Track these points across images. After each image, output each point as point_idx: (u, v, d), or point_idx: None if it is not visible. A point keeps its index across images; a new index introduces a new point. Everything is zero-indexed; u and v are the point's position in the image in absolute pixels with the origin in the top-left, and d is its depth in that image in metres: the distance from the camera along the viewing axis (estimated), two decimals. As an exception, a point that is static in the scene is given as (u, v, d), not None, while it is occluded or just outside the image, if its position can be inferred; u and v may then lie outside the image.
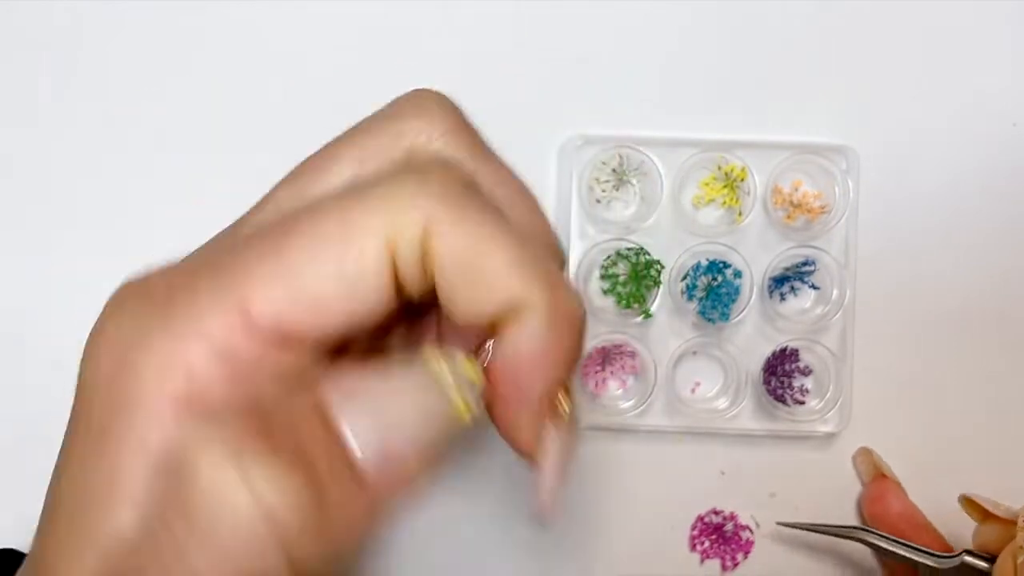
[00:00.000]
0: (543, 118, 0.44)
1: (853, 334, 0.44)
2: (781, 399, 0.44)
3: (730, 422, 0.44)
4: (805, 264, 0.44)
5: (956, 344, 0.45)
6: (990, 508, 0.39)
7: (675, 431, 0.45)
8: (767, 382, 0.44)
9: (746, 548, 0.45)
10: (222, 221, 0.43)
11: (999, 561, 0.37)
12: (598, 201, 0.44)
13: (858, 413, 0.44)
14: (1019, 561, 0.36)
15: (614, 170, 0.44)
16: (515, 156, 0.44)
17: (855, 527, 0.42)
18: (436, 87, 0.45)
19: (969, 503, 0.40)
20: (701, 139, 0.44)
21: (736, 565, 0.45)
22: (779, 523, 0.43)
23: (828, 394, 0.44)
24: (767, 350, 0.44)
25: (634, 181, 0.44)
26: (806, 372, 0.45)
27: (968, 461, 0.45)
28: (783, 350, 0.44)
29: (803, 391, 0.44)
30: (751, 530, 0.45)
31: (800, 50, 0.45)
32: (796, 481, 0.45)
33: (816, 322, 0.44)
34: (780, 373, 0.44)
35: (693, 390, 0.45)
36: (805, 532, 0.43)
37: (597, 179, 0.44)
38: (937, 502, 0.44)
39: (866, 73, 0.45)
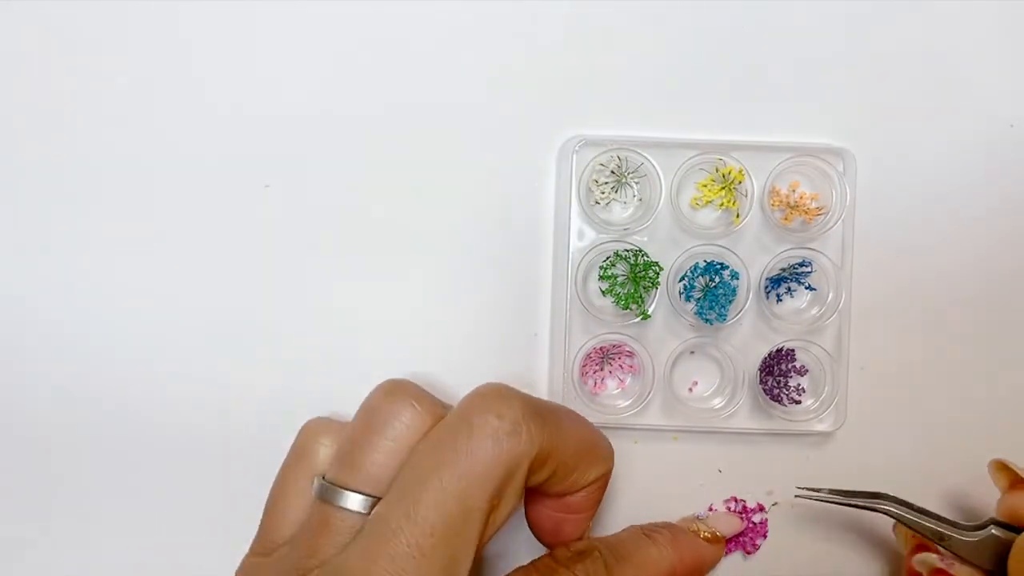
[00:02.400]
0: (542, 120, 0.45)
1: (848, 335, 0.44)
2: (777, 398, 0.44)
3: (727, 421, 0.45)
4: (802, 265, 0.44)
5: (951, 345, 0.45)
6: (1022, 474, 0.38)
7: (673, 430, 0.45)
8: (763, 382, 0.44)
9: (763, 531, 0.45)
10: (221, 223, 0.44)
11: (1018, 543, 0.36)
12: (597, 203, 0.44)
13: (853, 412, 0.44)
14: None
15: (613, 172, 0.44)
16: (515, 157, 0.45)
17: (877, 495, 0.40)
18: (435, 90, 0.46)
19: (1000, 467, 0.39)
20: (699, 141, 0.44)
21: (757, 548, 0.45)
22: (799, 489, 0.41)
23: (824, 394, 0.44)
24: (764, 350, 0.44)
25: (633, 183, 0.45)
26: (802, 372, 0.45)
27: (963, 461, 0.45)
28: (779, 350, 0.44)
29: (799, 391, 0.45)
30: (763, 510, 0.45)
31: (798, 53, 0.45)
32: (792, 479, 0.45)
33: (812, 323, 0.44)
34: (776, 373, 0.45)
35: (691, 389, 0.46)
36: (822, 504, 0.41)
37: (596, 181, 0.44)
38: (931, 502, 0.45)
39: (863, 76, 0.45)
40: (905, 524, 0.39)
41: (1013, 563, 0.37)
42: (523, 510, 0.40)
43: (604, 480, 0.38)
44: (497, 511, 0.34)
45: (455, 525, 0.32)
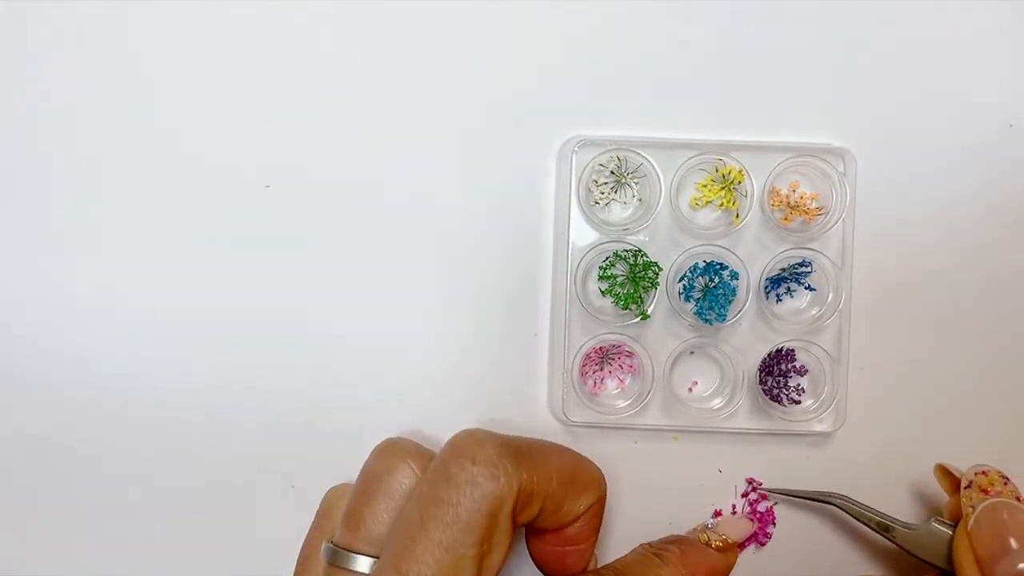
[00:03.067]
0: (542, 121, 0.45)
1: (848, 335, 0.44)
2: (777, 399, 0.44)
3: (726, 421, 0.45)
4: (801, 265, 0.44)
5: (950, 344, 0.45)
6: (960, 476, 0.41)
7: (673, 430, 0.45)
8: (763, 382, 0.44)
9: (771, 518, 0.45)
10: (221, 223, 0.44)
11: (957, 535, 0.39)
12: (596, 203, 0.44)
13: (853, 413, 0.44)
14: (965, 518, 0.39)
15: (612, 172, 0.44)
16: (515, 158, 0.45)
17: (831, 493, 0.43)
18: (435, 90, 0.46)
19: (943, 472, 0.42)
20: (699, 141, 0.44)
21: (769, 537, 0.45)
22: (762, 489, 0.45)
23: (823, 394, 0.44)
24: (763, 350, 0.44)
25: (632, 183, 0.45)
26: (802, 372, 0.45)
27: (962, 460, 0.45)
28: (779, 350, 0.44)
29: (799, 391, 0.45)
30: (766, 498, 0.45)
31: (797, 53, 0.45)
32: (792, 479, 0.45)
33: (812, 323, 0.44)
34: (776, 373, 0.45)
35: (690, 389, 0.46)
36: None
37: (596, 181, 0.44)
38: (930, 501, 0.45)
39: (863, 76, 0.45)
40: (853, 516, 0.43)
41: (956, 551, 0.39)
42: (527, 549, 0.40)
43: (598, 508, 0.39)
44: (489, 556, 0.34)
45: (447, 575, 0.33)
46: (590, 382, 0.45)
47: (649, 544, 0.42)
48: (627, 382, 0.45)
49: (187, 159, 0.45)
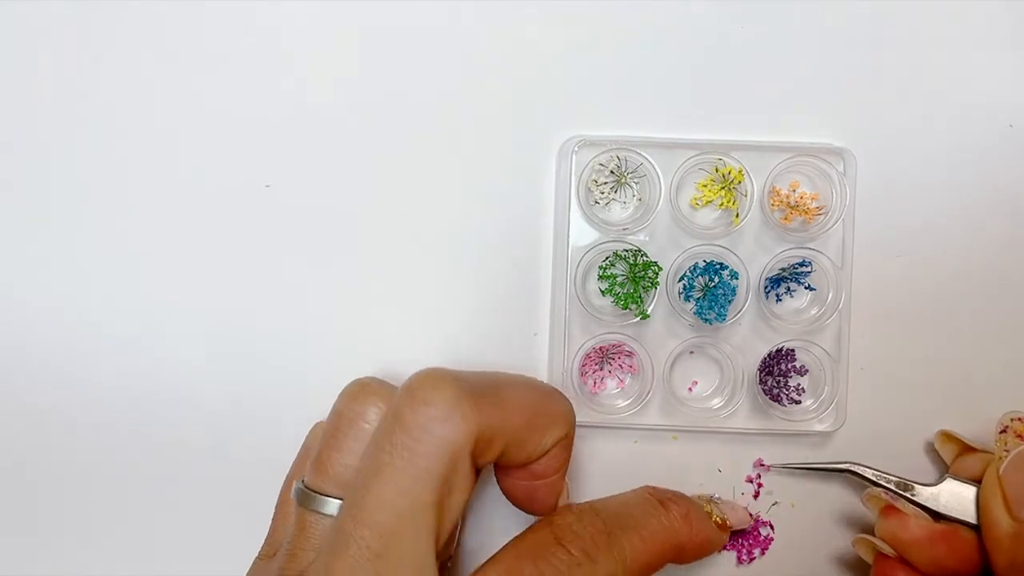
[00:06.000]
0: (542, 120, 0.45)
1: (848, 335, 0.44)
2: (777, 398, 0.44)
3: (726, 421, 0.45)
4: (801, 265, 0.45)
5: (950, 344, 0.45)
6: (968, 442, 0.43)
7: (672, 430, 0.45)
8: (763, 382, 0.44)
9: (764, 544, 0.45)
10: (222, 223, 0.44)
11: (986, 476, 0.40)
12: (596, 202, 0.45)
13: (852, 412, 0.44)
14: (998, 460, 0.40)
15: (612, 172, 0.44)
16: (515, 158, 0.45)
17: (844, 462, 0.43)
18: (435, 90, 0.46)
19: (947, 438, 0.43)
20: (699, 141, 0.44)
21: (752, 560, 0.45)
22: (772, 465, 0.45)
23: (823, 394, 0.44)
24: (763, 350, 0.44)
25: (632, 183, 0.45)
26: (801, 372, 0.45)
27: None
28: (779, 350, 0.44)
29: (799, 390, 0.45)
30: (771, 528, 0.45)
31: (797, 53, 0.45)
32: (792, 479, 0.45)
33: (812, 323, 0.44)
34: (776, 373, 0.45)
35: (690, 389, 0.46)
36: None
37: (595, 181, 0.44)
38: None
39: (863, 76, 0.45)
40: (870, 480, 0.43)
41: (985, 493, 0.40)
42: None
43: (566, 442, 0.37)
44: (449, 498, 0.33)
45: (404, 522, 0.32)
46: (590, 382, 0.45)
47: (654, 489, 0.41)
48: (627, 382, 0.45)
49: (187, 159, 0.45)
